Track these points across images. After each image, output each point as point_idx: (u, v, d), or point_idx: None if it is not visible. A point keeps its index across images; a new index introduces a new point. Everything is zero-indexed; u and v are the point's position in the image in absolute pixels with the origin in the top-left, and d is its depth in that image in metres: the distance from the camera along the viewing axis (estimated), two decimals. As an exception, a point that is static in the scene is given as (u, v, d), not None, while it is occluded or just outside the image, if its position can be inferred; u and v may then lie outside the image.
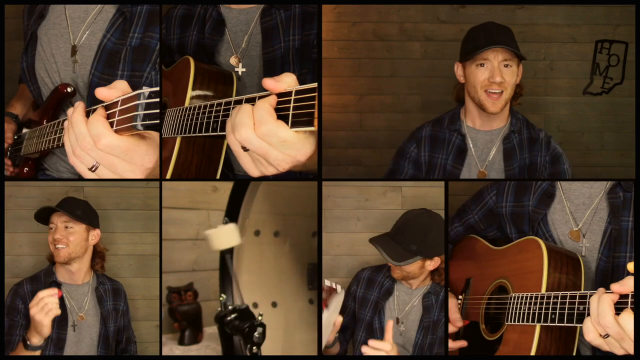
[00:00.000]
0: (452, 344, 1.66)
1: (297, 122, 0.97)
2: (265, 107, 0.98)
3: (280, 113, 0.99)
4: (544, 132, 1.85)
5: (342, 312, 1.74)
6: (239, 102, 1.08)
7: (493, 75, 1.72)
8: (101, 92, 1.07)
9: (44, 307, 1.55)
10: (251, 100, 1.05)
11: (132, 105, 0.98)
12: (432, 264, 1.73)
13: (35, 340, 1.60)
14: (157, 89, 0.97)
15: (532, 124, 1.88)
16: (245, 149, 1.02)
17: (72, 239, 1.79)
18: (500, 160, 1.80)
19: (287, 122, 0.98)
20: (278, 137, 0.97)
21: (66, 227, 1.79)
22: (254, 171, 1.07)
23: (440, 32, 2.65)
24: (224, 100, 1.12)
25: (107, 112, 1.06)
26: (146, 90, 0.97)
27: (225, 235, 1.51)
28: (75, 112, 1.08)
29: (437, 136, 1.85)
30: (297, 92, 0.97)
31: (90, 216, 1.84)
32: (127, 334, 1.95)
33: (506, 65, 1.74)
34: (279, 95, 1.00)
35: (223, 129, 1.10)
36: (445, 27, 2.62)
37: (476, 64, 1.75)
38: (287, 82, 1.01)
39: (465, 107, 1.86)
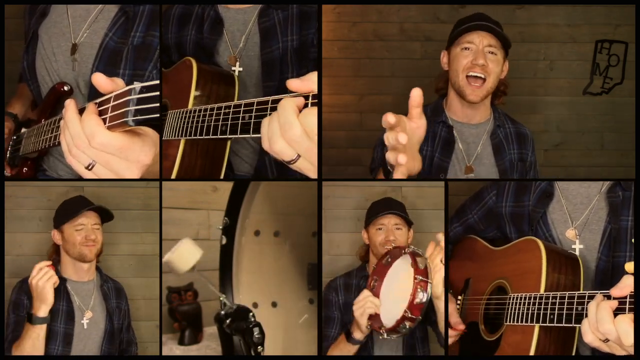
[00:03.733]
0: (452, 331, 1.64)
1: None
2: (314, 116, 0.96)
3: None
4: (528, 129, 1.85)
5: (329, 325, 1.79)
6: (249, 105, 1.08)
7: (476, 58, 1.68)
8: (99, 78, 1.05)
9: (45, 274, 1.65)
10: (264, 104, 1.04)
11: (124, 101, 0.97)
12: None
13: (41, 312, 1.65)
14: (149, 84, 0.95)
15: (514, 118, 1.86)
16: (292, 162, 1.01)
17: (99, 238, 1.84)
18: (489, 155, 1.78)
19: None
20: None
21: (94, 229, 1.83)
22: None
23: (440, 32, 2.65)
24: (232, 103, 1.12)
25: (100, 108, 1.05)
26: (138, 85, 0.96)
27: (186, 253, 1.48)
28: (68, 111, 1.08)
29: None
30: (313, 97, 0.98)
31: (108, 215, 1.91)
32: (127, 336, 1.95)
33: (491, 52, 1.70)
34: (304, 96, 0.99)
35: (233, 131, 1.10)
36: (445, 27, 2.61)
37: (461, 48, 1.71)
38: (313, 81, 1.00)
39: (447, 99, 1.82)
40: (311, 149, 0.98)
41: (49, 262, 1.69)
